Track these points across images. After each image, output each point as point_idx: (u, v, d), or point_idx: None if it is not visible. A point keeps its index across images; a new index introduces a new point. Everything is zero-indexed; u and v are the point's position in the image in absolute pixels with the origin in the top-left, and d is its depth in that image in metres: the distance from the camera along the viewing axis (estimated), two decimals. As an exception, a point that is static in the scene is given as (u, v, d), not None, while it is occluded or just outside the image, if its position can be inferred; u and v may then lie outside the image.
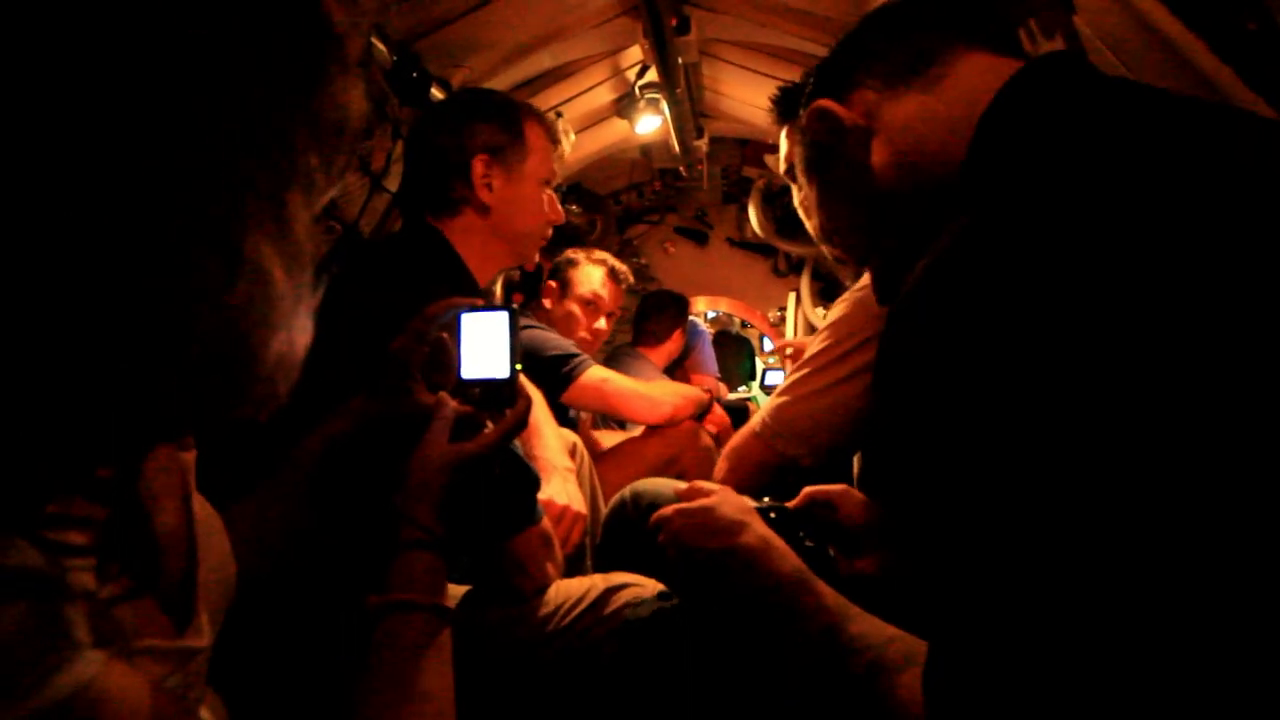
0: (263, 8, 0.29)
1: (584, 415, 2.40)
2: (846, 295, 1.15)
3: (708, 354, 3.63)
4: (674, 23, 1.93)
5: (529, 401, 0.80)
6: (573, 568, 1.30)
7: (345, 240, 1.55)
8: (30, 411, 0.27)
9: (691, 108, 2.60)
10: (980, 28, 0.65)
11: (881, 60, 0.66)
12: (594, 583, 1.11)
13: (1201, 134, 0.45)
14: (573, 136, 2.43)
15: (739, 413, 2.74)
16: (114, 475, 0.37)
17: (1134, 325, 0.36)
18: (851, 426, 1.10)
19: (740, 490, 0.88)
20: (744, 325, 4.98)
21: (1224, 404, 0.35)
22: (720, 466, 1.23)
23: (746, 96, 2.56)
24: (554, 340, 1.96)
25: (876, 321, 1.07)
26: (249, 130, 0.29)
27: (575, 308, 2.26)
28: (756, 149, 3.20)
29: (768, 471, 1.15)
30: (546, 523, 1.09)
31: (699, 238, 4.28)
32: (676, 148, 2.85)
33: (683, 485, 0.90)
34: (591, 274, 2.29)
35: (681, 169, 3.34)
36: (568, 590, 1.09)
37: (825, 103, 0.67)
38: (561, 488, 1.31)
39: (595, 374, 1.93)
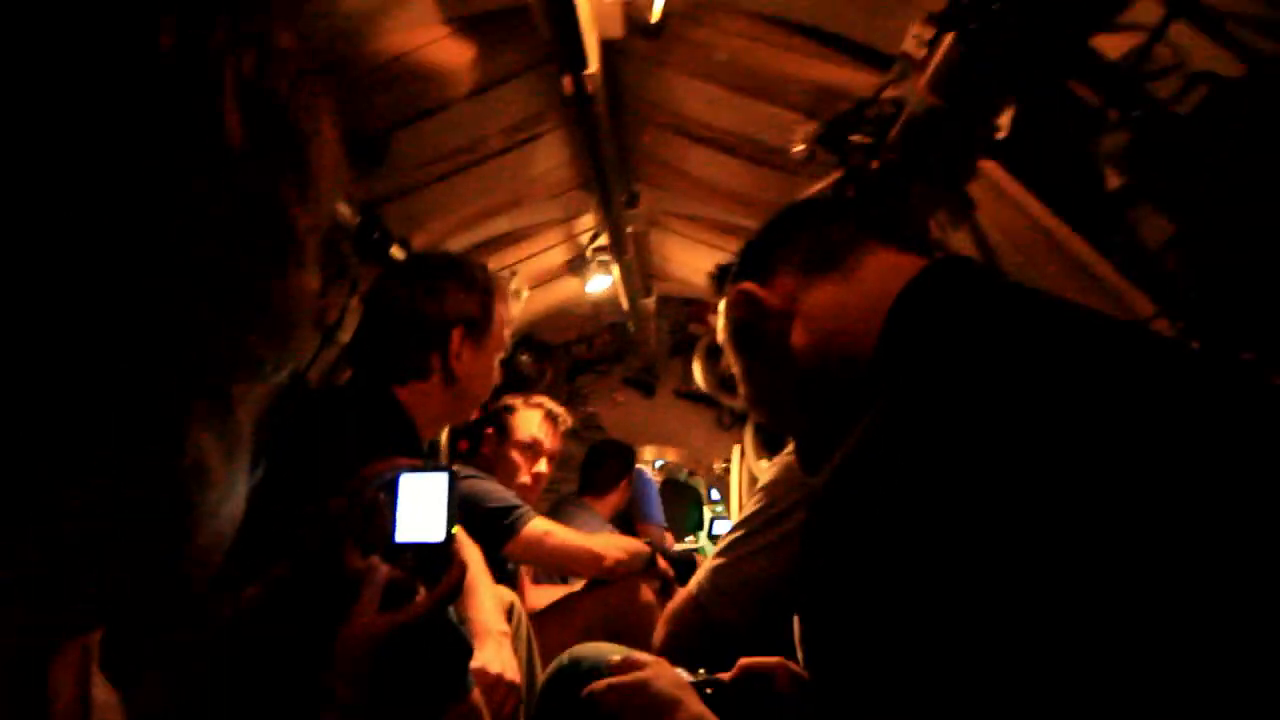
0: (220, 203, 0.30)
1: (523, 569, 2.32)
2: (780, 457, 1.19)
3: (654, 503, 3.59)
4: (624, 198, 2.09)
5: (464, 567, 0.79)
6: (504, 742, 1.21)
7: (290, 391, 1.54)
8: None
9: (640, 270, 2.76)
10: (887, 227, 0.74)
11: (800, 250, 0.73)
12: (526, 761, 1.04)
13: (1058, 337, 0.52)
14: (525, 294, 2.54)
15: (686, 564, 2.69)
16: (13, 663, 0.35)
17: (998, 507, 0.42)
18: (788, 588, 1.10)
19: (678, 658, 0.86)
20: (690, 474, 4.98)
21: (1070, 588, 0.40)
22: (659, 632, 1.20)
23: (693, 262, 2.74)
24: (495, 491, 1.93)
25: (804, 486, 1.10)
26: (200, 327, 0.29)
27: (514, 454, 2.26)
28: (701, 308, 3.38)
29: (706, 636, 1.13)
30: (477, 694, 1.04)
31: (646, 388, 4.37)
32: (625, 305, 2.98)
33: (624, 650, 0.87)
34: (529, 418, 2.31)
35: (630, 324, 3.48)
36: (496, 771, 1.01)
37: (749, 286, 0.73)
38: (495, 654, 1.25)
39: (538, 526, 1.90)
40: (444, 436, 2.46)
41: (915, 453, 0.46)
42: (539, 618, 1.98)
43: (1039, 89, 1.16)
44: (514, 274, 2.43)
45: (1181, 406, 0.46)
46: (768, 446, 3.84)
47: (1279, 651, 0.37)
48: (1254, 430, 0.45)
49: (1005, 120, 1.22)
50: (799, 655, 0.58)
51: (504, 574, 1.98)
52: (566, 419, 2.44)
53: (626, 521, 3.47)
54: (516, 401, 2.36)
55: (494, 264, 2.29)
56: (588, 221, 2.48)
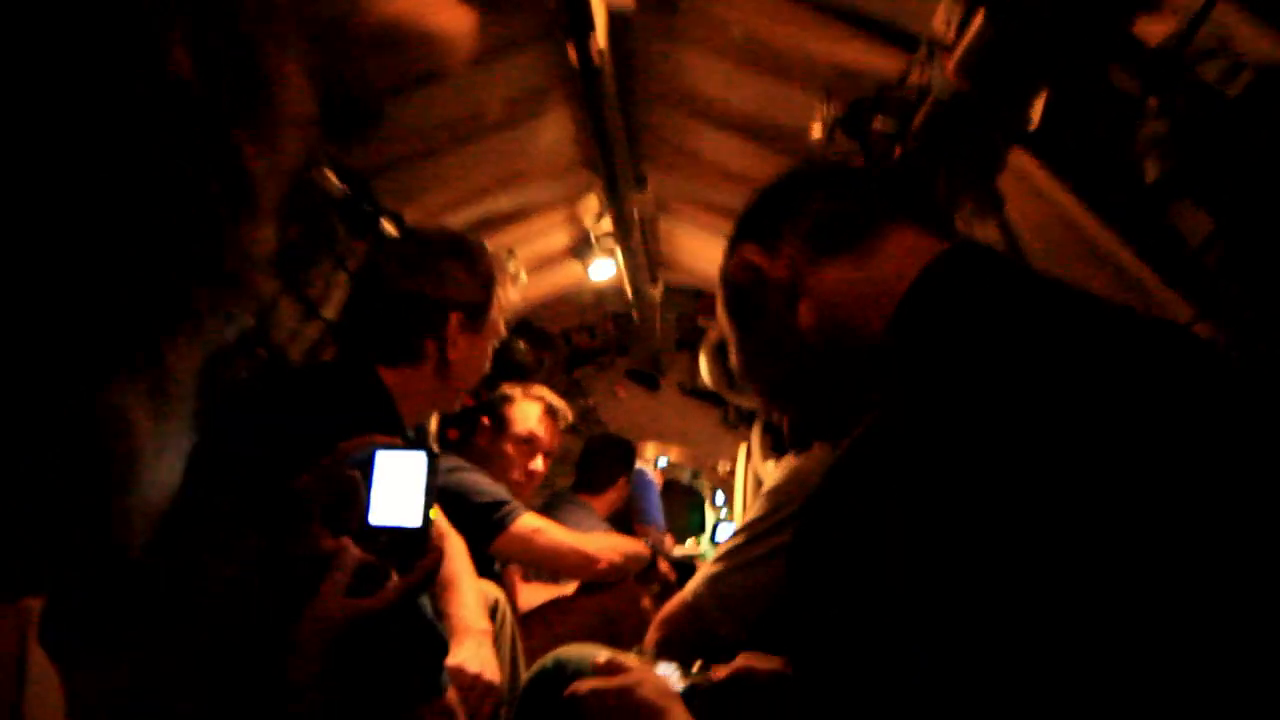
0: (167, 140, 0.29)
1: (513, 566, 2.32)
2: (785, 460, 1.18)
3: (654, 504, 3.59)
4: (631, 179, 2.08)
5: (440, 555, 0.78)
6: (481, 746, 1.21)
7: (270, 366, 1.54)
8: None
9: (647, 257, 2.75)
10: (912, 204, 0.72)
11: (811, 220, 0.70)
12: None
13: (1080, 330, 0.51)
14: (524, 277, 2.53)
15: (686, 569, 2.68)
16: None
17: (1016, 506, 0.42)
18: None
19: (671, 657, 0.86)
20: (695, 475, 4.98)
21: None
22: (651, 635, 1.20)
23: (703, 251, 2.73)
24: (483, 485, 1.93)
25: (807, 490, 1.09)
26: (129, 273, 0.28)
27: (509, 447, 2.25)
28: (711, 301, 3.36)
29: (700, 644, 1.13)
30: (453, 694, 1.03)
31: (650, 382, 4.35)
32: (629, 293, 2.97)
33: (614, 654, 0.87)
34: (528, 411, 2.29)
35: (634, 313, 3.47)
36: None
37: (753, 253, 0.70)
38: (474, 652, 1.25)
39: (527, 523, 1.90)
40: (433, 424, 2.45)
41: (930, 444, 0.47)
42: (529, 618, 1.97)
43: (1074, 74, 1.15)
44: (512, 255, 2.44)
45: (1210, 406, 0.46)
46: (775, 448, 3.83)
47: None
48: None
49: (1038, 108, 1.21)
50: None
51: (490, 572, 1.98)
52: (567, 414, 2.42)
53: (624, 522, 3.47)
54: (515, 392, 2.34)
55: (491, 244, 2.28)
56: (592, 203, 2.47)
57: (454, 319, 1.21)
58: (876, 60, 1.46)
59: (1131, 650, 0.39)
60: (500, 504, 1.88)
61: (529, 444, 2.27)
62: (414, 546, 0.79)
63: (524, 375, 3.22)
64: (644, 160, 2.19)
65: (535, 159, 2.09)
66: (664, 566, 2.20)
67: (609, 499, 3.11)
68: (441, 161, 1.84)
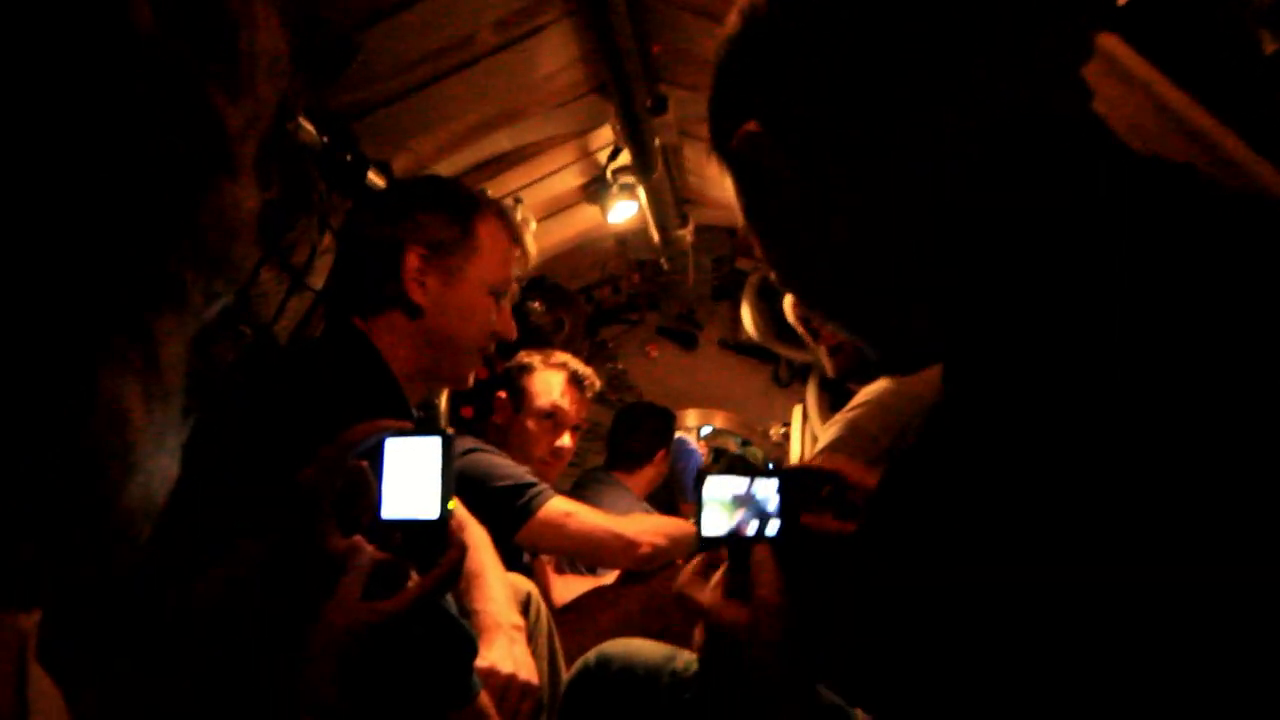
0: (134, 101, 0.30)
1: (544, 557, 2.37)
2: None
3: (699, 479, 3.61)
4: (649, 103, 2.06)
5: (463, 549, 0.80)
6: (522, 756, 1.26)
7: (256, 347, 1.58)
8: None
9: (673, 194, 2.73)
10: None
11: (832, 104, 0.61)
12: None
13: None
14: (534, 226, 2.54)
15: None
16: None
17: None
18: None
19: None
20: (745, 444, 5.00)
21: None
22: (700, 630, 1.21)
23: (736, 181, 2.69)
24: (505, 467, 1.96)
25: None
26: (112, 249, 0.30)
27: (531, 424, 2.27)
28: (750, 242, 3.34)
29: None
30: (485, 699, 1.07)
31: (686, 340, 4.36)
32: (656, 237, 2.96)
33: (664, 648, 0.88)
34: (550, 381, 2.31)
35: (663, 261, 3.46)
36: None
37: (757, 130, 0.64)
38: (507, 651, 1.29)
39: (557, 507, 1.92)
40: (443, 401, 2.49)
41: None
42: (565, 613, 2.01)
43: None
44: (519, 202, 2.44)
45: None
46: (834, 407, 3.82)
47: None
48: None
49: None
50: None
51: (518, 565, 2.03)
52: (595, 382, 2.43)
53: (666, 501, 3.51)
54: (534, 360, 2.35)
55: (494, 190, 2.29)
56: (606, 135, 2.45)
57: (411, 254, 1.22)
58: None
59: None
60: (525, 487, 1.91)
61: (553, 418, 2.29)
62: (433, 541, 0.81)
63: (542, 340, 3.25)
64: (662, 79, 2.16)
65: (536, 88, 2.07)
66: (714, 549, 2.22)
67: (647, 476, 3.15)
68: (429, 99, 1.84)
